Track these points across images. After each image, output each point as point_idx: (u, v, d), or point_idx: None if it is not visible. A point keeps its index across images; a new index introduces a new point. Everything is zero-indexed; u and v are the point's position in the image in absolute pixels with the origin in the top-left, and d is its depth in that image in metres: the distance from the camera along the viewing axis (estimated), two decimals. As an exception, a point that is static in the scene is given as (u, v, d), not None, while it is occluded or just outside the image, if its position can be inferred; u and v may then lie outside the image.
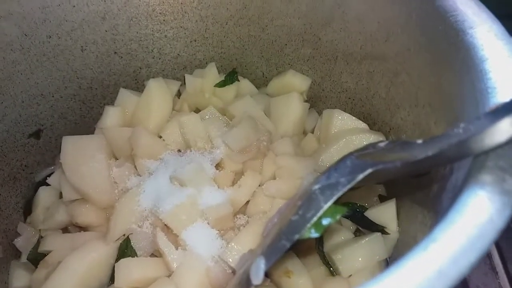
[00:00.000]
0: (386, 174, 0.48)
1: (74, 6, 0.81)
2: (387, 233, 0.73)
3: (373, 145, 0.57)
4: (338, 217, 0.49)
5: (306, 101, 0.92)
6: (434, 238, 0.37)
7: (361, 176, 0.47)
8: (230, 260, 0.67)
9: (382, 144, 0.55)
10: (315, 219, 0.47)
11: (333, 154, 0.78)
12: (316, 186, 0.50)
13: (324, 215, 0.48)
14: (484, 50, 0.52)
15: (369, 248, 0.70)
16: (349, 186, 0.48)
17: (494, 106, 0.46)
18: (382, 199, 0.78)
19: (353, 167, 0.52)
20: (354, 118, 0.81)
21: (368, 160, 0.53)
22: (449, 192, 0.52)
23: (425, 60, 0.66)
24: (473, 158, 0.45)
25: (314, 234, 0.48)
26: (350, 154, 0.56)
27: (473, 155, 0.44)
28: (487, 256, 0.98)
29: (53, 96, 0.86)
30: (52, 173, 0.87)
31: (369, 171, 0.47)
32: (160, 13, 0.89)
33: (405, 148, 0.51)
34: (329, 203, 0.48)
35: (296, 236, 0.47)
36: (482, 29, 0.54)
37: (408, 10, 0.67)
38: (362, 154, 0.55)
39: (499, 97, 0.47)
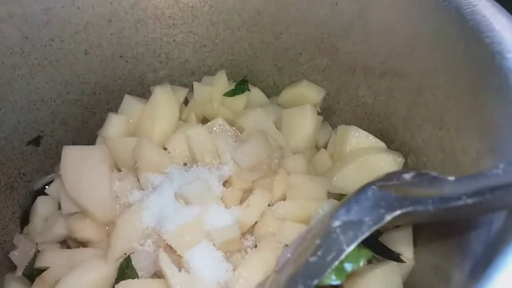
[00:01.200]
0: (413, 217, 0.44)
1: (78, 8, 0.77)
2: (402, 261, 0.69)
3: (397, 176, 0.52)
4: (362, 262, 0.44)
5: (319, 113, 0.88)
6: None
7: (388, 218, 0.43)
8: (237, 287, 0.63)
9: (407, 176, 0.51)
10: (336, 263, 0.43)
11: (348, 174, 0.73)
12: (337, 223, 0.46)
13: (347, 259, 0.44)
14: (525, 77, 0.47)
15: (383, 278, 0.65)
16: (374, 228, 0.44)
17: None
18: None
19: (376, 201, 0.48)
20: (371, 136, 0.76)
21: (392, 193, 0.48)
22: (481, 235, 0.48)
23: (453, 81, 0.61)
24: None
25: (335, 282, 0.44)
26: (371, 183, 0.52)
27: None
28: None
29: (54, 102, 0.82)
30: (51, 181, 0.84)
31: (397, 212, 0.43)
32: (169, 16, 0.85)
33: (434, 185, 0.47)
34: (352, 246, 0.43)
35: (315, 282, 0.43)
36: (522, 54, 0.50)
37: (435, 27, 0.62)
38: (385, 185, 0.51)
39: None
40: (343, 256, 0.43)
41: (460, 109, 0.60)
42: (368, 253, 0.46)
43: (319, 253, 0.45)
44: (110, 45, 0.83)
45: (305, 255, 0.47)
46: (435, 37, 0.63)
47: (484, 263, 0.39)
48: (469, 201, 0.38)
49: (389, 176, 0.53)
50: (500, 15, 0.54)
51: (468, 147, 0.58)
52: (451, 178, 0.44)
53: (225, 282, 0.65)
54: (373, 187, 0.51)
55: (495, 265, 0.36)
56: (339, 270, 0.44)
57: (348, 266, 0.44)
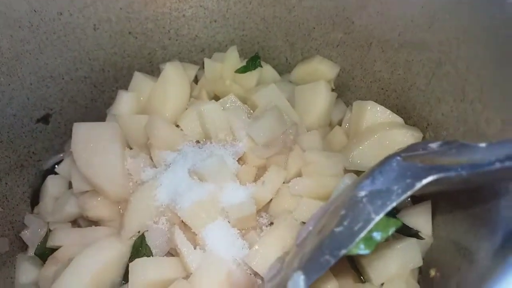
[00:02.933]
0: (445, 184, 0.42)
1: (87, -19, 0.74)
2: (421, 238, 0.68)
3: (422, 146, 0.51)
4: (391, 231, 0.43)
5: (333, 90, 0.86)
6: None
7: (419, 185, 0.41)
8: (254, 263, 0.62)
9: (434, 145, 0.49)
10: (365, 232, 0.42)
11: (365, 150, 0.72)
12: (362, 193, 0.45)
13: (375, 228, 0.42)
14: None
15: (403, 255, 0.64)
16: (404, 196, 0.42)
17: None
18: (415, 199, 0.72)
19: (402, 170, 0.47)
20: (388, 111, 0.75)
21: (419, 163, 0.47)
22: (505, 208, 0.47)
23: (475, 51, 0.60)
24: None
25: (364, 251, 0.42)
26: (395, 154, 0.50)
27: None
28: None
29: (63, 78, 0.80)
30: (61, 160, 0.83)
31: (429, 179, 0.41)
32: (178, -10, 0.82)
33: (463, 152, 0.45)
34: (382, 214, 0.42)
35: (343, 252, 0.42)
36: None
37: (460, -6, 0.60)
38: (410, 155, 0.50)
39: None
40: (371, 225, 0.42)
41: (483, 80, 0.58)
42: (397, 222, 0.44)
43: (345, 223, 0.43)
44: (119, 20, 0.81)
45: (330, 226, 0.45)
46: (457, 6, 0.61)
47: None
48: (508, 163, 0.36)
49: (413, 147, 0.52)
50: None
51: (493, 118, 0.56)
52: (482, 144, 0.43)
53: (242, 259, 0.64)
54: (398, 158, 0.49)
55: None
56: (368, 240, 0.43)
57: (377, 235, 0.43)
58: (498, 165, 0.37)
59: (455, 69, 0.63)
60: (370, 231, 0.42)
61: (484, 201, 0.52)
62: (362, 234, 0.42)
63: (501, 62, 0.54)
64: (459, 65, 0.63)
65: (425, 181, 0.41)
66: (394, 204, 0.42)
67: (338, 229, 0.43)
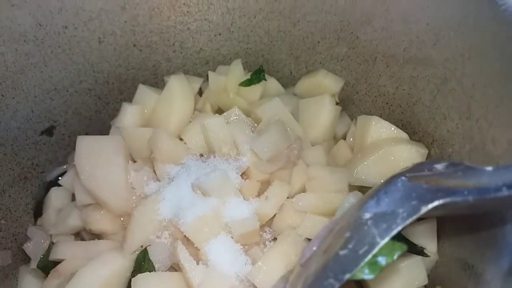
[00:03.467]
0: (451, 208, 0.42)
1: (92, -5, 0.75)
2: (426, 255, 0.68)
3: (428, 166, 0.50)
4: (396, 256, 0.43)
5: (337, 103, 0.86)
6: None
7: (424, 209, 0.41)
8: (257, 281, 0.62)
9: (439, 167, 0.49)
10: (369, 257, 0.41)
11: (370, 165, 0.71)
12: (367, 215, 0.44)
13: (380, 252, 0.42)
14: None
15: (408, 273, 0.64)
16: (410, 220, 0.42)
17: None
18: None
19: (407, 192, 0.46)
20: (393, 126, 0.74)
21: (424, 185, 0.46)
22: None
23: (481, 68, 0.59)
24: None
25: (368, 276, 0.42)
26: (400, 174, 0.50)
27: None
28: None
29: (67, 91, 0.81)
30: (64, 172, 0.83)
31: (435, 203, 0.41)
32: (183, 3, 0.83)
33: (470, 175, 0.44)
34: (387, 238, 0.42)
35: (347, 276, 0.41)
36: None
37: (464, 12, 0.60)
38: (415, 176, 0.49)
39: None
40: (376, 250, 0.41)
41: (489, 98, 0.58)
42: (402, 246, 0.44)
43: (350, 246, 0.43)
44: (124, 33, 0.81)
45: (334, 248, 0.45)
46: (462, 23, 0.60)
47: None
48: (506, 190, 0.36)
49: (418, 167, 0.51)
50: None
51: (499, 137, 0.56)
52: (489, 168, 0.42)
53: (245, 276, 0.64)
54: (403, 178, 0.49)
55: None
56: (373, 264, 0.42)
57: (382, 260, 0.42)
58: (505, 191, 0.37)
59: (461, 86, 0.63)
60: (375, 255, 0.42)
61: (490, 225, 0.52)
62: (367, 259, 0.41)
63: (507, 79, 0.54)
64: (464, 82, 0.62)
65: (431, 205, 0.41)
66: (399, 228, 0.42)
67: (342, 252, 0.43)
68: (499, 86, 0.56)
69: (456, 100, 0.65)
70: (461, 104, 0.64)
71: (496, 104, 0.56)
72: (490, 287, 0.49)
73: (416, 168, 0.51)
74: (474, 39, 0.60)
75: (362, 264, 0.41)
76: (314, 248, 0.51)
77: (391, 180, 0.49)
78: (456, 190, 0.41)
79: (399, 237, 0.66)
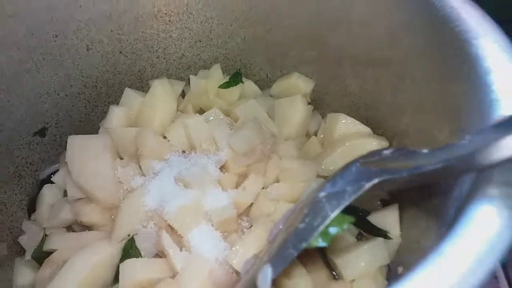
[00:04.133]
0: (391, 184, 0.49)
1: (80, 6, 0.81)
2: (389, 238, 0.74)
3: (378, 153, 0.57)
4: (345, 226, 0.49)
5: (309, 103, 0.93)
6: (443, 252, 0.37)
7: (367, 186, 0.48)
8: (234, 262, 0.68)
9: (387, 152, 0.56)
10: (322, 227, 0.48)
11: (336, 158, 0.78)
12: (322, 194, 0.51)
13: (331, 224, 0.49)
14: (489, 62, 0.52)
15: (371, 253, 0.70)
16: (355, 195, 0.49)
17: (499, 119, 0.47)
18: (385, 203, 0.78)
19: (358, 174, 0.53)
20: (358, 122, 0.81)
21: (373, 168, 0.53)
22: (454, 201, 0.53)
23: (429, 68, 0.66)
24: (478, 172, 0.46)
25: (322, 244, 0.48)
26: (355, 160, 0.57)
27: (478, 170, 0.45)
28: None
29: (58, 95, 0.86)
30: (56, 170, 0.88)
31: (375, 181, 0.48)
32: (165, 13, 0.89)
33: (410, 157, 0.51)
34: (336, 212, 0.48)
35: (304, 245, 0.48)
36: (487, 40, 0.54)
37: (411, 17, 0.67)
38: (367, 161, 0.56)
39: (503, 109, 0.48)
40: (328, 221, 0.48)
41: (435, 94, 0.65)
42: (351, 218, 0.50)
43: (307, 220, 0.50)
44: (110, 41, 0.88)
45: (295, 223, 0.51)
46: (411, 27, 0.67)
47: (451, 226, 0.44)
48: (438, 165, 0.43)
49: (371, 154, 0.58)
50: (467, 6, 0.59)
51: (443, 128, 0.63)
52: (425, 150, 0.49)
53: (223, 259, 0.70)
54: (357, 163, 0.55)
55: (457, 225, 0.41)
56: (325, 234, 0.49)
57: (333, 230, 0.49)
58: (431, 166, 0.44)
59: (413, 83, 0.70)
60: (327, 227, 0.49)
61: (437, 204, 0.59)
62: (320, 229, 0.48)
63: (448, 78, 0.61)
64: (416, 80, 0.70)
65: (372, 182, 0.48)
66: (347, 203, 0.49)
67: (301, 226, 0.49)
68: (442, 83, 0.63)
69: (410, 96, 0.72)
70: (414, 100, 0.71)
71: (441, 99, 0.63)
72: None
73: (369, 154, 0.58)
74: (421, 42, 0.66)
75: (316, 234, 0.48)
76: (280, 227, 0.57)
77: (347, 165, 0.56)
78: (395, 169, 0.48)
79: (360, 222, 0.74)
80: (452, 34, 0.58)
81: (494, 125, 0.44)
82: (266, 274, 0.50)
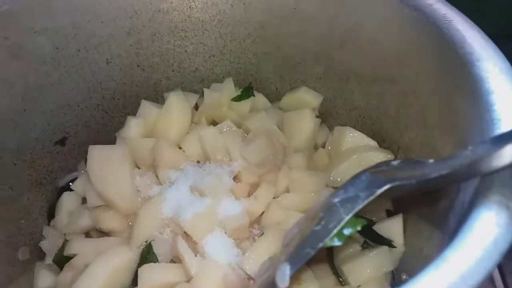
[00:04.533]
0: (400, 190, 0.53)
1: (102, 22, 0.85)
2: (393, 247, 0.78)
3: (386, 163, 0.62)
4: (358, 227, 0.54)
5: (317, 116, 0.97)
6: (445, 257, 0.41)
7: (379, 191, 0.52)
8: (247, 267, 0.72)
9: (395, 163, 0.60)
10: (337, 229, 0.52)
11: (344, 170, 0.82)
12: (336, 199, 0.55)
13: (345, 225, 0.53)
14: (490, 83, 0.56)
15: (376, 260, 0.74)
16: (368, 200, 0.53)
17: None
18: (390, 213, 0.82)
19: (369, 182, 0.57)
20: (364, 135, 0.85)
21: (382, 177, 0.57)
22: (456, 211, 0.57)
23: (433, 86, 0.70)
24: (479, 181, 0.50)
25: (337, 243, 0.53)
26: (365, 171, 0.61)
27: (480, 176, 0.49)
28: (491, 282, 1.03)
29: (78, 106, 0.91)
30: (74, 178, 0.92)
31: (387, 186, 0.52)
32: (181, 29, 0.94)
33: (417, 167, 0.56)
34: (350, 214, 0.53)
35: (320, 244, 0.52)
36: (489, 63, 0.58)
37: (418, 39, 0.71)
38: (376, 171, 0.60)
39: (503, 128, 0.52)
40: (342, 223, 0.53)
41: (439, 111, 0.69)
42: (363, 221, 0.55)
43: (322, 222, 0.54)
44: (129, 55, 0.92)
45: (310, 226, 0.56)
46: (417, 47, 0.72)
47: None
48: (444, 172, 0.47)
49: (379, 164, 0.62)
50: (471, 29, 0.63)
51: (447, 143, 0.67)
52: (431, 160, 0.53)
53: (236, 264, 0.73)
54: (367, 173, 0.60)
55: (458, 233, 0.45)
56: (340, 235, 0.53)
57: (347, 231, 0.54)
58: (437, 173, 0.48)
59: (418, 100, 0.74)
60: (342, 228, 0.53)
61: (440, 213, 0.63)
62: (336, 230, 0.53)
63: (452, 96, 0.65)
64: (420, 97, 0.74)
65: (383, 188, 0.52)
66: (360, 207, 0.53)
67: (317, 228, 0.54)
68: (446, 101, 0.67)
69: (415, 112, 0.76)
70: (418, 116, 0.75)
71: (445, 116, 0.68)
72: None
73: (378, 165, 0.62)
74: (426, 61, 0.70)
75: (331, 235, 0.52)
76: (296, 231, 0.61)
77: (358, 175, 0.61)
78: (404, 177, 0.52)
79: (366, 232, 0.78)
80: (457, 55, 0.62)
81: (494, 137, 0.48)
82: (285, 271, 0.54)
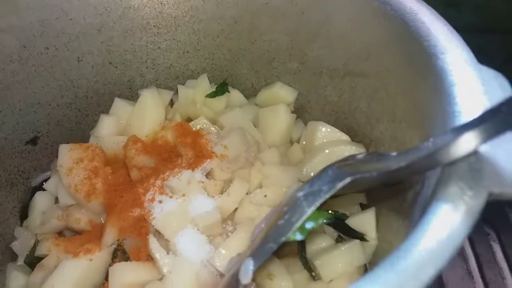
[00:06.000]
0: (364, 183, 0.54)
1: (71, 19, 0.84)
2: (366, 240, 0.78)
3: (352, 157, 0.62)
4: (320, 221, 0.54)
5: (292, 112, 0.97)
6: (399, 252, 0.41)
7: (340, 184, 0.52)
8: (218, 264, 0.71)
9: (360, 156, 0.60)
10: (299, 223, 0.53)
11: (316, 164, 0.82)
12: (300, 193, 0.55)
13: (308, 219, 0.53)
14: (453, 75, 0.56)
15: (348, 254, 0.74)
16: (330, 193, 0.53)
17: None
18: (363, 207, 0.82)
19: (334, 176, 0.58)
20: (337, 130, 0.86)
21: (347, 170, 0.58)
22: (420, 204, 0.57)
23: (401, 80, 0.71)
24: (440, 173, 0.50)
25: (299, 237, 0.53)
26: (332, 164, 0.61)
27: (440, 166, 0.49)
28: (464, 261, 1.05)
29: (49, 105, 0.90)
30: (48, 178, 0.90)
31: (347, 180, 0.52)
32: (154, 26, 0.93)
33: (381, 160, 0.56)
34: (312, 208, 0.53)
35: (283, 239, 0.52)
36: (453, 55, 0.58)
37: (387, 33, 0.71)
38: (342, 164, 0.61)
39: (464, 119, 0.52)
40: (304, 217, 0.53)
41: (407, 104, 0.69)
42: (326, 214, 0.55)
43: (286, 216, 0.54)
44: (101, 53, 0.91)
45: (275, 221, 0.56)
46: (385, 41, 0.72)
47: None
48: (403, 164, 0.47)
49: (347, 158, 0.63)
50: (437, 21, 0.63)
51: (413, 136, 0.67)
52: (394, 153, 0.53)
53: (208, 261, 0.73)
54: (334, 167, 0.60)
55: (417, 225, 0.45)
56: (302, 229, 0.54)
57: (309, 225, 0.54)
58: (396, 165, 0.49)
59: (387, 94, 0.75)
60: (304, 222, 0.53)
61: (407, 208, 0.63)
62: (298, 224, 0.53)
63: (418, 89, 0.65)
64: (390, 91, 0.74)
65: (344, 181, 0.52)
66: (322, 200, 0.53)
67: (280, 222, 0.54)
68: (412, 94, 0.67)
69: (384, 106, 0.76)
70: (388, 110, 0.75)
71: (411, 109, 0.68)
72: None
73: (344, 159, 0.62)
74: (394, 54, 0.71)
75: (294, 229, 0.52)
76: (262, 226, 0.61)
77: (325, 169, 0.61)
78: (366, 170, 0.53)
79: (339, 225, 0.78)
80: (422, 48, 0.62)
81: (454, 128, 0.48)
82: (248, 266, 0.54)
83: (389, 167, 0.51)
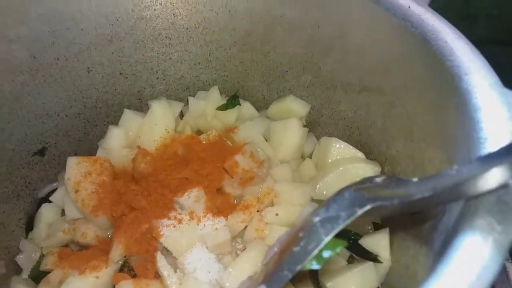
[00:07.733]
0: (383, 210, 0.51)
1: (82, 30, 0.83)
2: (379, 262, 0.76)
3: (370, 180, 0.59)
4: (338, 250, 0.51)
5: (305, 126, 0.95)
6: (434, 282, 0.39)
7: (360, 212, 0.50)
8: (227, 284, 0.70)
9: (379, 180, 0.58)
10: (316, 251, 0.50)
11: (330, 182, 0.80)
12: (317, 219, 0.53)
13: (325, 247, 0.51)
14: (478, 98, 0.54)
15: (361, 276, 0.71)
16: (348, 221, 0.51)
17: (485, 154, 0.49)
18: (376, 226, 0.80)
19: (351, 200, 0.55)
20: (351, 147, 0.83)
21: (366, 194, 0.55)
22: (441, 232, 0.55)
23: (419, 98, 0.68)
24: (464, 204, 0.48)
25: (315, 266, 0.51)
26: (349, 187, 0.59)
27: (464, 199, 0.47)
28: None
29: (58, 115, 0.88)
30: (54, 189, 0.89)
31: (368, 207, 0.50)
32: (165, 37, 0.92)
33: (400, 185, 0.53)
34: (330, 236, 0.51)
35: (298, 267, 0.50)
36: (477, 77, 0.56)
37: (406, 50, 0.69)
38: (360, 187, 0.58)
39: (489, 147, 0.50)
40: (322, 245, 0.50)
41: (427, 124, 0.67)
42: (344, 242, 0.53)
43: (301, 243, 0.52)
44: (111, 63, 0.90)
45: (290, 246, 0.53)
46: (404, 58, 0.70)
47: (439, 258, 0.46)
48: (426, 194, 0.45)
49: (364, 180, 0.60)
50: (459, 41, 0.61)
51: (433, 157, 0.65)
52: (415, 179, 0.51)
53: (217, 280, 0.71)
54: (351, 189, 0.57)
55: (444, 259, 0.42)
56: (319, 257, 0.51)
57: (326, 253, 0.51)
58: (420, 195, 0.46)
59: (406, 111, 0.72)
60: (321, 250, 0.51)
61: (426, 232, 0.60)
62: (314, 253, 0.50)
63: (438, 108, 0.63)
64: (408, 108, 0.72)
65: (365, 208, 0.50)
66: (340, 227, 0.51)
67: (296, 249, 0.52)
68: (433, 113, 0.65)
69: (402, 124, 0.74)
70: (405, 128, 0.73)
71: (431, 128, 0.66)
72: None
73: (362, 181, 0.60)
74: (413, 72, 0.69)
75: (310, 257, 0.50)
76: (276, 249, 0.59)
77: (341, 191, 0.58)
78: (387, 197, 0.50)
79: (352, 246, 0.76)
80: (444, 67, 0.60)
81: (480, 157, 0.46)
82: (262, 294, 0.52)
83: (410, 195, 0.49)
